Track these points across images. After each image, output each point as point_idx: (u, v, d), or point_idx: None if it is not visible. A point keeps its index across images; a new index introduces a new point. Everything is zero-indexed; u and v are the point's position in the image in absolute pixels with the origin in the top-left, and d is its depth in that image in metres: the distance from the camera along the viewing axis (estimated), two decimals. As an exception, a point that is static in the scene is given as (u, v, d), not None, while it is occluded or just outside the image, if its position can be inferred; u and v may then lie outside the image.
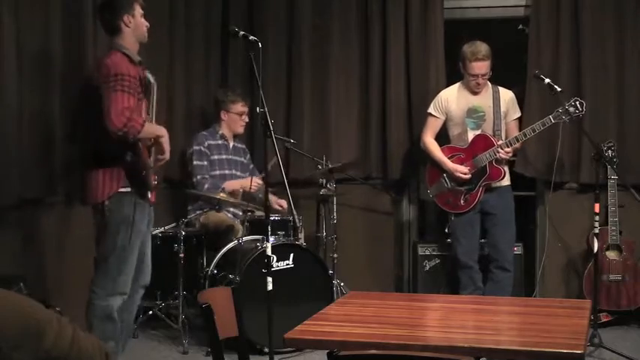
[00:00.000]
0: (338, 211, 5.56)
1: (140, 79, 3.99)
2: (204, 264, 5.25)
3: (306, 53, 6.08)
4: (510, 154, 5.26)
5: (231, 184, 5.48)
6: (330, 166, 5.51)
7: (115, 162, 3.95)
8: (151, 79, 4.12)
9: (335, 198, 5.52)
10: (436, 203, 5.45)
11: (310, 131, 6.08)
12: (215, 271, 5.04)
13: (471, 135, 5.31)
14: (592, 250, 5.06)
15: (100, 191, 3.96)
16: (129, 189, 3.97)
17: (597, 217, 4.98)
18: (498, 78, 5.37)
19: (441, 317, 3.14)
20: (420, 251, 5.78)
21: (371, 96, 6.04)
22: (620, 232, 5.42)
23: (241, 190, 5.45)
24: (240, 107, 5.62)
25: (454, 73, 5.57)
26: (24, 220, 4.55)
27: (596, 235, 4.98)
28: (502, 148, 5.17)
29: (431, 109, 5.40)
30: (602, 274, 5.37)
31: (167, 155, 4.07)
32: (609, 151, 5.29)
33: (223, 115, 5.63)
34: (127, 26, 4.03)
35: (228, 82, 6.16)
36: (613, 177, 5.32)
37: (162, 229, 5.26)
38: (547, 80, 4.99)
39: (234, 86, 5.86)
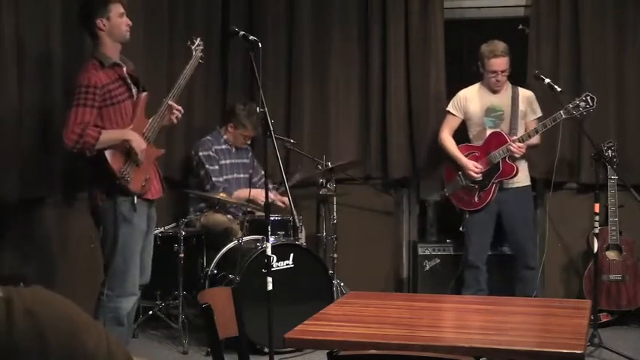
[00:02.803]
0: (338, 211, 5.55)
1: (122, 78, 3.99)
2: (204, 264, 5.25)
3: (306, 53, 6.08)
4: (523, 150, 5.21)
5: (242, 193, 5.43)
6: (330, 166, 5.51)
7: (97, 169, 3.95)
8: (131, 65, 4.08)
9: (335, 198, 5.51)
10: (452, 202, 5.40)
11: (310, 131, 6.08)
12: (215, 271, 5.04)
13: (488, 133, 5.31)
14: (592, 250, 5.05)
15: (96, 196, 4.00)
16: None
17: (597, 217, 4.98)
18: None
19: (441, 317, 3.15)
20: (420, 251, 5.78)
21: (371, 96, 6.04)
22: (620, 232, 5.42)
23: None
24: (249, 132, 5.58)
25: (454, 73, 5.57)
26: (24, 219, 4.55)
27: (596, 235, 4.98)
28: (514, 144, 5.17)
29: (450, 107, 5.41)
30: (602, 274, 5.37)
31: (140, 157, 3.97)
32: (609, 151, 5.28)
33: (231, 127, 5.60)
34: (102, 30, 3.99)
35: (228, 82, 6.15)
36: (613, 177, 5.32)
37: (162, 229, 5.26)
38: (547, 80, 4.98)
39: (255, 109, 5.64)
